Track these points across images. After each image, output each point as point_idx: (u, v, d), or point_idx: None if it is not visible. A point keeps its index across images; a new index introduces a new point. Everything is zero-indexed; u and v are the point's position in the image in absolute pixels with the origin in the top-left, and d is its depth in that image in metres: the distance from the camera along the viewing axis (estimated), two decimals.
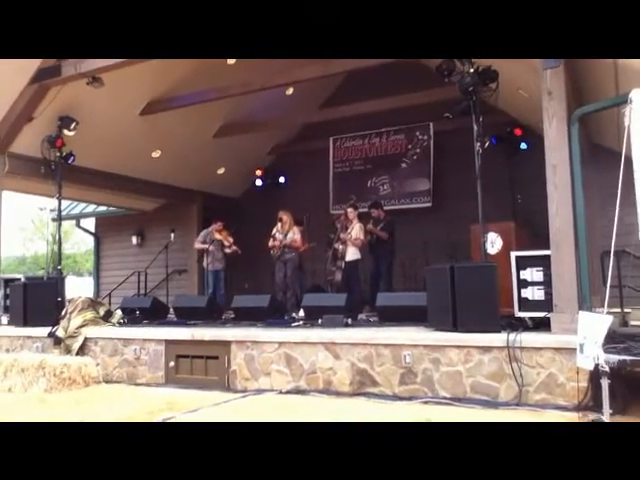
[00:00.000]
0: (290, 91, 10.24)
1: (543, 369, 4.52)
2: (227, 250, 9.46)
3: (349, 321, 6.14)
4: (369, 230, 8.65)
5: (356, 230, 8.44)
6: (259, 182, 11.87)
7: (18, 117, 7.85)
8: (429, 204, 10.25)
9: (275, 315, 7.02)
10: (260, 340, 5.72)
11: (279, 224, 8.58)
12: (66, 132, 7.95)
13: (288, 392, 5.38)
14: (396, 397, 4.94)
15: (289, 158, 11.80)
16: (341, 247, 8.47)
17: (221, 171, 11.39)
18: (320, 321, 6.20)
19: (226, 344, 5.87)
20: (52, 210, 11.83)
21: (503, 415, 4.27)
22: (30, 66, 7.33)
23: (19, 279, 8.33)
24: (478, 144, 5.53)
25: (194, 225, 11.49)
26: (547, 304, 4.93)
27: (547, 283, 4.98)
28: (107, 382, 6.31)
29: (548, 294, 4.95)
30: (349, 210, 8.67)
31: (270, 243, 8.53)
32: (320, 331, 5.75)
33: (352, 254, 8.43)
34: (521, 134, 8.98)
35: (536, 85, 5.17)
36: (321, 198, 11.10)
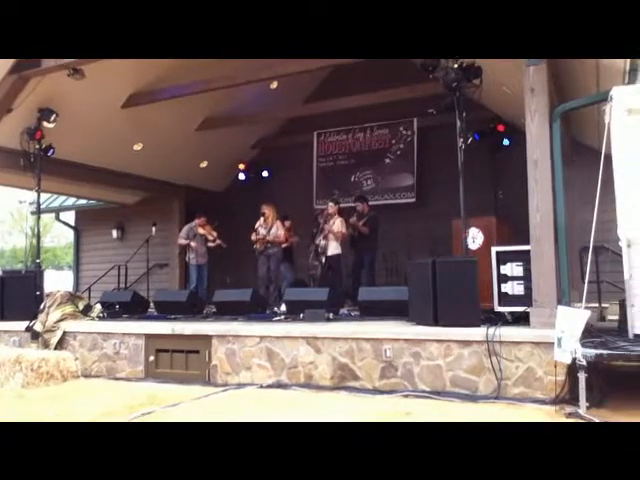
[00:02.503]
0: (274, 85, 10.17)
1: (522, 363, 4.55)
2: (211, 244, 9.43)
3: (331, 316, 6.13)
4: (352, 223, 8.66)
5: (337, 224, 8.45)
6: (242, 176, 11.79)
7: None
8: (413, 199, 10.27)
9: (257, 309, 7.00)
10: (241, 334, 5.69)
11: (262, 218, 8.54)
12: (46, 124, 7.83)
13: (269, 386, 5.37)
14: (377, 391, 4.95)
15: (273, 152, 11.74)
16: (323, 242, 8.46)
17: (204, 165, 11.30)
18: (302, 315, 6.19)
19: (207, 338, 5.84)
20: (31, 203, 11.69)
21: (482, 408, 4.30)
22: None
23: None
24: (461, 140, 5.55)
25: (176, 219, 11.41)
26: (527, 299, 4.97)
27: (527, 278, 5.02)
28: (86, 377, 6.23)
29: (528, 289, 4.99)
30: (330, 205, 8.69)
31: (253, 237, 8.49)
32: (302, 325, 5.73)
33: (334, 248, 8.44)
34: (504, 130, 9.02)
35: (519, 81, 5.20)
36: (305, 192, 11.07)
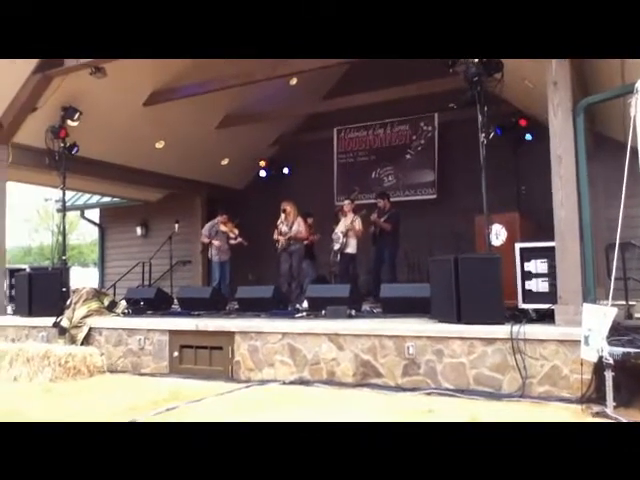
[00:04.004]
0: (294, 81, 10.19)
1: (547, 361, 4.51)
2: (232, 242, 9.51)
3: (353, 312, 6.14)
4: (372, 220, 8.67)
5: (358, 222, 8.54)
6: (263, 173, 11.85)
7: (21, 107, 7.83)
8: (434, 196, 10.23)
9: (279, 306, 7.03)
10: (264, 331, 5.73)
11: (283, 215, 8.57)
12: (69, 122, 7.93)
13: (292, 383, 5.39)
14: (399, 388, 4.95)
15: (293, 149, 11.76)
16: (343, 239, 8.51)
17: (225, 162, 11.37)
18: (324, 312, 6.21)
19: (230, 335, 5.89)
20: (57, 201, 11.89)
21: (506, 407, 4.27)
22: None
23: (24, 269, 8.37)
24: (483, 135, 5.50)
25: (198, 216, 11.53)
26: (551, 296, 4.92)
27: (551, 275, 4.97)
28: (111, 372, 6.34)
29: (552, 286, 4.94)
30: (345, 203, 8.81)
31: (275, 235, 8.53)
32: (324, 322, 5.75)
33: (351, 247, 8.51)
34: (526, 125, 8.91)
35: (541, 75, 5.13)
36: (325, 189, 11.09)
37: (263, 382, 5.49)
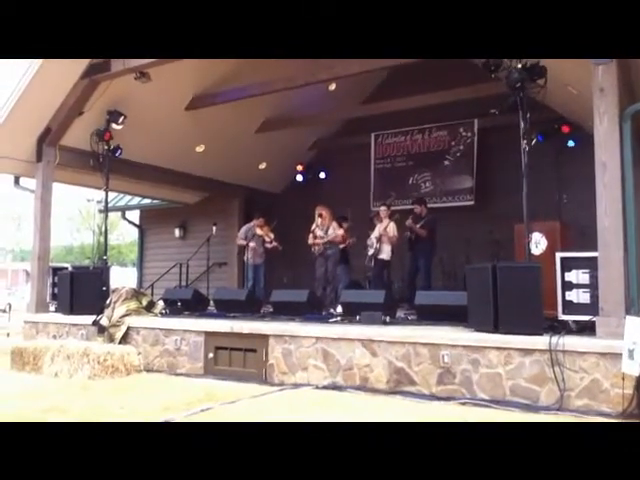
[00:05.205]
0: (333, 86, 10.23)
1: (586, 374, 4.39)
2: (268, 245, 9.58)
3: (387, 319, 6.10)
4: (408, 226, 8.61)
5: (392, 227, 8.49)
6: (300, 177, 11.91)
7: (69, 111, 8.07)
8: (472, 202, 10.09)
9: (313, 310, 7.04)
10: (298, 335, 5.74)
11: (319, 219, 8.58)
12: (114, 126, 8.14)
13: (325, 387, 5.40)
14: (433, 397, 4.90)
15: (330, 153, 11.79)
16: (377, 245, 8.49)
17: (262, 166, 11.48)
18: (358, 317, 6.18)
19: (264, 337, 5.93)
20: (99, 202, 12.23)
21: (544, 420, 4.17)
22: (81, 62, 7.51)
23: (66, 268, 8.59)
24: (525, 141, 5.40)
25: (235, 219, 11.66)
26: (592, 307, 4.78)
27: (593, 286, 4.84)
28: (148, 371, 6.45)
29: (594, 297, 4.80)
30: (382, 209, 8.81)
31: (310, 240, 8.55)
32: (358, 328, 5.73)
33: (385, 253, 8.47)
34: (569, 131, 8.74)
35: (586, 81, 5.01)
36: (362, 194, 11.05)
37: (296, 386, 5.51)
